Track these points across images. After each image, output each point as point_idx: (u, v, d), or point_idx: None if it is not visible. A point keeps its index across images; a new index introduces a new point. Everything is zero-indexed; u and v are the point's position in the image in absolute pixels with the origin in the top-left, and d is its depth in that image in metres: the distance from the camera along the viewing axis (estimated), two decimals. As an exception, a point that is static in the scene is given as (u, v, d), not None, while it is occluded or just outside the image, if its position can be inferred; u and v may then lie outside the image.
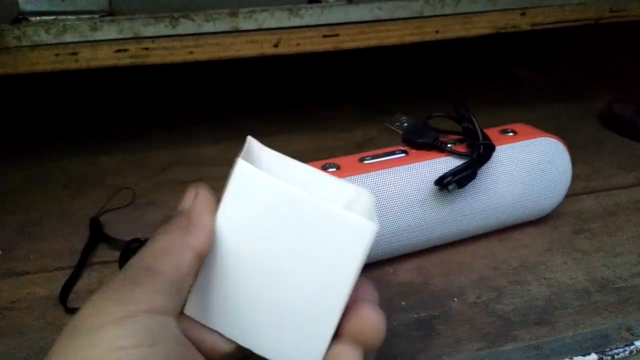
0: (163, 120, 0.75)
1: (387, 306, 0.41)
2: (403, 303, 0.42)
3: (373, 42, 0.58)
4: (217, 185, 0.59)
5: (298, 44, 0.56)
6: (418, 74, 0.93)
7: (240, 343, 0.28)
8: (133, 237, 0.48)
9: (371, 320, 0.26)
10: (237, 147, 0.67)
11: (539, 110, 0.77)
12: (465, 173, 0.42)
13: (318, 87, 0.88)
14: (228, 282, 0.28)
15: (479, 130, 0.45)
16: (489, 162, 0.44)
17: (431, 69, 0.95)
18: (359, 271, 0.26)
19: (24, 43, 0.50)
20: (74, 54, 0.51)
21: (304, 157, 0.65)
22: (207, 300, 0.28)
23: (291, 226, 0.27)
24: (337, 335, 0.27)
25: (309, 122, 0.74)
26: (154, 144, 0.68)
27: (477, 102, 0.79)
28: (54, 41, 0.51)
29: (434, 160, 0.44)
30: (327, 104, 0.80)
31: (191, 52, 0.53)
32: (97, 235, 0.50)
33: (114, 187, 0.58)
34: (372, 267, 0.45)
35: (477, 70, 0.93)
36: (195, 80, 0.87)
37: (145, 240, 0.27)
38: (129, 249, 0.46)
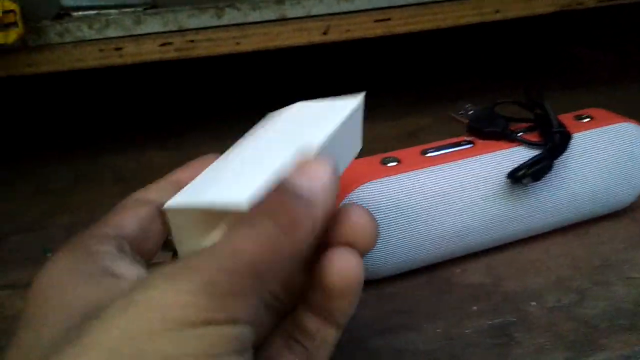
0: (214, 115, 0.73)
1: (456, 311, 0.38)
2: (474, 308, 0.38)
3: (427, 26, 0.55)
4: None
5: (348, 31, 0.53)
6: (469, 56, 0.88)
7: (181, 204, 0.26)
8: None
9: (361, 221, 0.26)
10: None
11: (604, 93, 0.72)
12: (541, 165, 0.38)
13: (364, 73, 0.84)
14: (210, 170, 0.28)
15: (552, 117, 0.41)
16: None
17: (483, 51, 0.90)
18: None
19: (67, 39, 0.49)
20: (119, 49, 0.49)
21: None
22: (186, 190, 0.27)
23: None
24: (329, 243, 0.26)
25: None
26: (205, 140, 0.66)
27: (536, 84, 0.75)
28: (97, 36, 0.49)
29: (504, 151, 0.41)
30: (374, 91, 0.76)
31: (238, 43, 0.51)
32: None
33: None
34: (437, 267, 0.42)
35: (533, 51, 0.88)
36: (245, 72, 0.85)
37: None
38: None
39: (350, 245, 0.26)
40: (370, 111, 0.71)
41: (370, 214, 0.27)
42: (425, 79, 0.81)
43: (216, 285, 0.20)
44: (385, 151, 0.62)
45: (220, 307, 0.20)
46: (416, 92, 0.75)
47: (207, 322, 0.19)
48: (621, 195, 0.45)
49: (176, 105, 0.78)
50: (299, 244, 0.23)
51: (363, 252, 0.27)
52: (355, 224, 0.26)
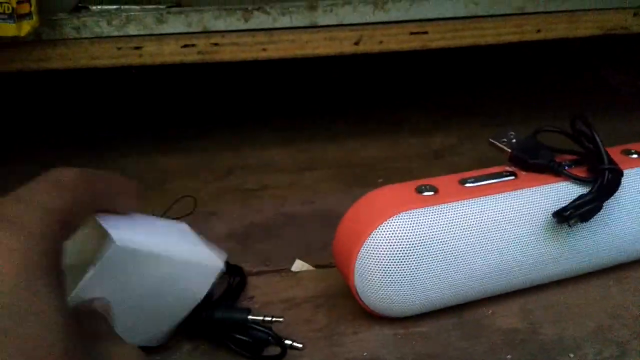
0: (228, 119, 0.70)
1: (488, 358, 0.35)
2: (509, 357, 0.35)
3: (466, 42, 0.52)
4: (282, 193, 0.54)
5: (381, 42, 0.50)
6: (495, 74, 0.85)
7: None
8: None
9: None
10: (304, 151, 0.61)
11: (634, 121, 0.69)
12: (590, 206, 0.35)
13: (391, 87, 0.81)
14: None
15: (603, 152, 0.38)
16: (614, 190, 0.37)
17: (510, 69, 0.87)
18: None
19: (84, 35, 0.46)
20: (138, 48, 0.46)
21: (376, 165, 0.60)
22: None
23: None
24: None
25: (381, 125, 0.68)
26: (217, 145, 0.63)
27: (563, 108, 0.72)
28: (116, 33, 0.46)
29: (550, 186, 0.37)
30: (401, 106, 0.73)
31: (264, 49, 0.48)
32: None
33: (174, 192, 0.53)
34: (467, 307, 0.39)
35: (563, 73, 0.85)
36: (265, 77, 0.82)
37: None
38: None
39: None
40: (393, 126, 0.69)
41: None
42: (449, 95, 0.78)
43: None
44: (410, 171, 0.60)
45: None
46: (441, 108, 0.72)
47: None
48: (667, 239, 0.42)
49: (189, 106, 0.75)
50: None
51: None
52: None
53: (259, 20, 0.47)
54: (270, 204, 0.53)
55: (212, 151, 0.61)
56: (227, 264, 0.36)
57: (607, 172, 0.37)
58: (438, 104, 0.74)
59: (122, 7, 0.46)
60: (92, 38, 0.46)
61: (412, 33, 0.50)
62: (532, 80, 0.83)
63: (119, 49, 0.46)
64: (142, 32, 0.46)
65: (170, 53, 0.46)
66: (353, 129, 0.66)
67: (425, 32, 0.50)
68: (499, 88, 0.79)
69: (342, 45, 0.49)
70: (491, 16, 0.51)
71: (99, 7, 0.46)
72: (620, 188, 0.38)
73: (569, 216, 0.35)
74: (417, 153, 0.62)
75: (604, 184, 0.37)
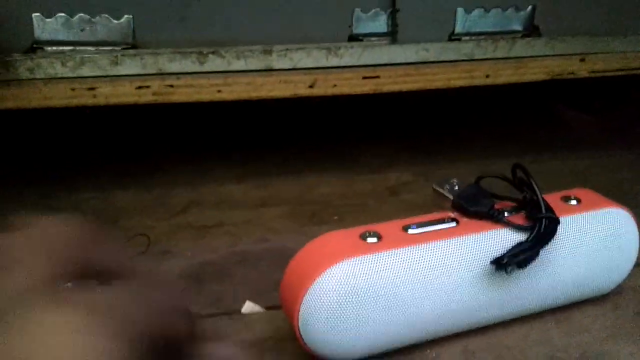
0: (184, 156, 0.70)
1: (430, 402, 0.36)
2: (449, 400, 0.36)
3: (417, 86, 0.53)
4: (237, 231, 0.55)
5: (335, 86, 0.51)
6: (453, 112, 0.87)
7: None
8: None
9: None
10: (260, 186, 0.62)
11: (587, 159, 0.71)
12: (526, 255, 0.37)
13: (349, 125, 0.82)
14: None
15: (541, 200, 0.39)
16: (551, 236, 0.39)
17: (468, 107, 0.89)
18: None
19: (38, 75, 0.46)
20: (92, 89, 0.46)
21: (332, 202, 0.61)
22: None
23: None
24: None
25: (337, 162, 0.69)
26: (173, 181, 0.63)
27: (518, 145, 0.74)
28: (70, 75, 0.46)
29: (488, 233, 0.39)
30: (358, 143, 0.75)
31: (219, 91, 0.49)
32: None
33: (128, 230, 0.53)
34: (411, 350, 0.40)
35: (520, 110, 0.88)
36: (220, 115, 0.83)
37: None
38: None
39: None
40: (350, 163, 0.71)
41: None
42: (405, 133, 0.80)
43: None
44: (365, 208, 0.61)
45: None
46: (397, 147, 0.74)
47: None
48: (605, 282, 0.43)
49: (146, 143, 0.75)
50: None
51: None
52: None
53: (214, 63, 0.48)
54: (224, 242, 0.53)
55: (168, 187, 0.62)
56: None
57: (544, 220, 0.39)
58: (394, 142, 0.76)
59: (77, 48, 0.47)
60: (45, 79, 0.46)
61: (364, 77, 0.52)
62: (488, 118, 0.85)
63: (73, 89, 0.46)
64: (96, 74, 0.46)
65: (124, 94, 0.47)
66: (310, 166, 0.68)
67: (378, 77, 0.52)
68: (455, 127, 0.81)
69: (297, 88, 0.51)
70: (441, 62, 0.53)
71: (54, 48, 0.47)
72: (557, 235, 0.39)
73: (506, 264, 0.36)
74: (372, 190, 0.64)
75: (540, 232, 0.38)
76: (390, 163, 0.69)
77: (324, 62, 0.51)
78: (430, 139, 0.76)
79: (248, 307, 0.44)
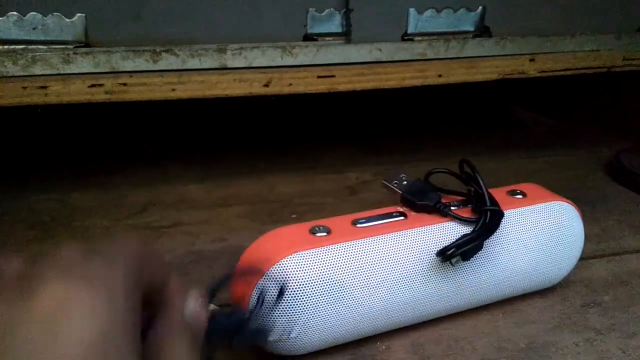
0: (143, 155, 0.70)
1: (378, 392, 0.37)
2: (397, 390, 0.37)
3: (371, 85, 0.54)
4: (195, 231, 0.55)
5: (290, 85, 0.52)
6: (414, 113, 0.89)
7: None
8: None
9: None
10: (220, 186, 0.62)
11: (541, 158, 0.73)
12: (471, 245, 0.38)
13: (309, 124, 0.83)
14: None
15: (485, 194, 0.40)
16: (496, 229, 0.40)
17: (427, 108, 0.91)
18: None
19: (-12, 74, 0.45)
20: (44, 87, 0.46)
21: (292, 201, 0.62)
22: None
23: None
24: None
25: (299, 161, 0.70)
26: (132, 181, 0.63)
27: (475, 145, 0.76)
28: (21, 73, 0.46)
29: (435, 226, 0.40)
30: (319, 143, 0.76)
31: (173, 90, 0.49)
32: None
33: (84, 231, 0.53)
34: (362, 343, 0.40)
35: (477, 111, 0.89)
36: (179, 114, 0.83)
37: None
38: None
39: None
40: (311, 163, 0.71)
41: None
42: (369, 133, 0.81)
43: None
44: (324, 207, 0.61)
45: None
46: (358, 146, 0.75)
47: None
48: (551, 274, 0.45)
49: (104, 142, 0.74)
50: None
51: None
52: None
53: (168, 61, 0.48)
54: (182, 241, 0.53)
55: (126, 188, 0.61)
56: None
57: (488, 213, 0.40)
58: (356, 142, 0.76)
59: (28, 47, 0.46)
60: (-5, 77, 0.45)
61: (319, 76, 0.52)
62: (447, 119, 0.87)
63: (24, 88, 0.46)
64: (48, 72, 0.46)
65: (76, 92, 0.47)
66: (271, 166, 0.68)
67: (333, 76, 0.53)
68: (415, 127, 0.83)
69: (252, 86, 0.51)
70: (394, 62, 0.54)
71: (5, 47, 0.46)
72: (501, 228, 0.40)
73: (451, 255, 0.37)
74: (332, 189, 0.64)
75: (485, 224, 0.39)
76: (351, 162, 0.70)
77: (279, 61, 0.51)
78: (390, 139, 0.77)
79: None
